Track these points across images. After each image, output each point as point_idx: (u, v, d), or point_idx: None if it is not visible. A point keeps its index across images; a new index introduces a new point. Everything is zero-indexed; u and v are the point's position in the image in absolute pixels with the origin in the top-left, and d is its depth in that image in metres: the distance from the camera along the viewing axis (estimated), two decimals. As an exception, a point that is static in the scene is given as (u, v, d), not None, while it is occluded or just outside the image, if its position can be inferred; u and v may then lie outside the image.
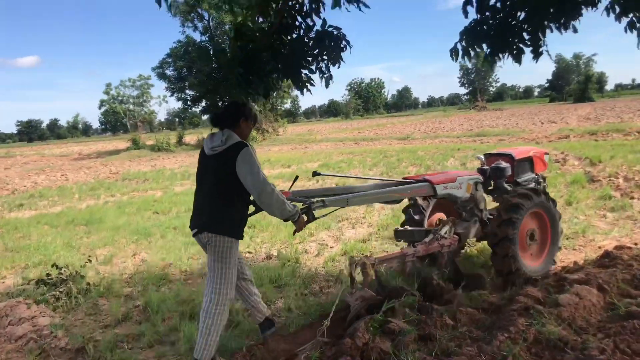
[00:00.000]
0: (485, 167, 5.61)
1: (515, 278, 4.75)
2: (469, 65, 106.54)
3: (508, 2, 4.44)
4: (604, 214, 7.55)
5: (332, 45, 4.20)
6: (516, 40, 4.52)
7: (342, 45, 4.24)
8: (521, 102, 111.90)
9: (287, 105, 65.28)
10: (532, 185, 5.76)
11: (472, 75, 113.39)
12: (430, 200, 5.68)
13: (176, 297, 5.16)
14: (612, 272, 4.43)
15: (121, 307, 5.07)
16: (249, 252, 6.89)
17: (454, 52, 4.62)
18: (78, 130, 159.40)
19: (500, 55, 4.68)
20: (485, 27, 4.57)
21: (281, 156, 22.90)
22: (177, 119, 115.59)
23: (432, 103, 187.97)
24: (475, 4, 4.45)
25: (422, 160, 16.16)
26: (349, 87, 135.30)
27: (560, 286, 4.23)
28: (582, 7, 4.24)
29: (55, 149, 58.41)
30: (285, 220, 3.56)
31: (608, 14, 4.26)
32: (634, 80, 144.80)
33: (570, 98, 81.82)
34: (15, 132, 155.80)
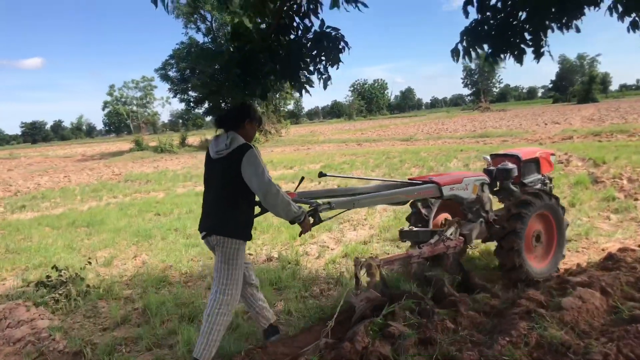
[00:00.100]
0: (492, 167, 5.57)
1: (518, 275, 4.72)
2: (472, 66, 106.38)
3: (509, 2, 4.40)
4: (608, 216, 7.48)
5: (330, 46, 4.16)
6: (517, 41, 4.47)
7: (340, 47, 4.20)
8: (525, 103, 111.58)
9: (290, 106, 65.28)
10: (539, 186, 5.73)
11: (476, 76, 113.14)
12: (435, 201, 5.64)
13: (175, 300, 5.13)
14: (615, 275, 4.37)
15: (120, 310, 5.04)
16: (250, 254, 6.86)
17: (455, 53, 4.58)
18: (82, 131, 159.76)
19: (502, 56, 4.64)
20: (486, 27, 4.53)
21: (284, 157, 22.88)
22: (180, 121, 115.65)
23: (435, 104, 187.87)
24: (475, 4, 4.41)
25: (425, 162, 16.10)
26: (352, 88, 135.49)
27: (563, 289, 4.17)
28: (585, 6, 4.19)
29: (59, 151, 58.54)
30: (291, 222, 3.56)
31: (611, 14, 4.21)
32: (638, 80, 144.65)
33: (574, 99, 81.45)
34: (19, 133, 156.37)
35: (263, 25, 4.29)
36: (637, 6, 4.11)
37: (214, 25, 41.19)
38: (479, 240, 5.46)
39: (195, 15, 41.01)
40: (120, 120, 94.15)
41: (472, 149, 19.24)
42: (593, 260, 5.48)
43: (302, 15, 4.18)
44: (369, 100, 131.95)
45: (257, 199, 3.56)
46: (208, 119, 76.77)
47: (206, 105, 43.38)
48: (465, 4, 4.41)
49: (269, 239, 7.60)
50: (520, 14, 4.44)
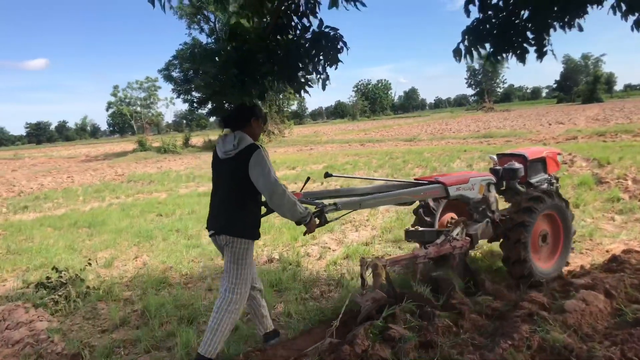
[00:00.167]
0: (498, 167, 5.54)
1: (522, 269, 4.66)
2: (476, 67, 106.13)
3: (511, 0, 4.34)
4: (612, 217, 7.41)
5: (329, 46, 4.11)
6: (520, 40, 4.42)
7: (339, 47, 4.15)
8: (529, 103, 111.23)
9: (294, 106, 65.23)
10: (545, 186, 5.70)
11: (480, 76, 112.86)
12: (441, 201, 5.61)
13: (175, 302, 5.09)
14: (619, 277, 4.32)
15: (120, 312, 5.01)
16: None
17: (457, 53, 4.53)
18: (86, 132, 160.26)
19: (504, 55, 4.58)
20: (488, 26, 4.47)
21: (286, 158, 22.85)
22: (184, 121, 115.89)
23: (439, 104, 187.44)
24: (477, 3, 4.35)
25: (428, 162, 16.04)
26: (355, 89, 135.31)
27: (566, 291, 4.13)
28: (587, 4, 4.13)
29: (63, 151, 58.70)
30: (297, 223, 3.58)
31: (614, 12, 4.14)
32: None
33: (578, 99, 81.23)
34: (24, 134, 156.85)
35: (261, 25, 4.25)
36: (640, 5, 4.05)
37: (217, 25, 41.21)
38: (485, 241, 5.43)
39: (199, 16, 41.04)
40: (124, 121, 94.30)
41: (475, 149, 19.17)
42: (597, 262, 5.43)
43: (300, 15, 4.14)
44: (373, 101, 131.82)
45: (262, 199, 3.60)
46: (212, 119, 76.84)
47: (209, 105, 43.43)
48: (467, 3, 4.35)
49: (270, 240, 7.56)
50: (522, 12, 4.39)
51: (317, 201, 3.92)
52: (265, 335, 3.94)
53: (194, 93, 44.21)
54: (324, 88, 4.18)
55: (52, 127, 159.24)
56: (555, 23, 4.29)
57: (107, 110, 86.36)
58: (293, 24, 4.18)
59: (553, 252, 5.17)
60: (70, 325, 4.86)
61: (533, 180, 5.62)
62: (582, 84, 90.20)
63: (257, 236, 3.62)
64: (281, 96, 41.44)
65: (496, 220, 5.14)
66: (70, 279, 5.71)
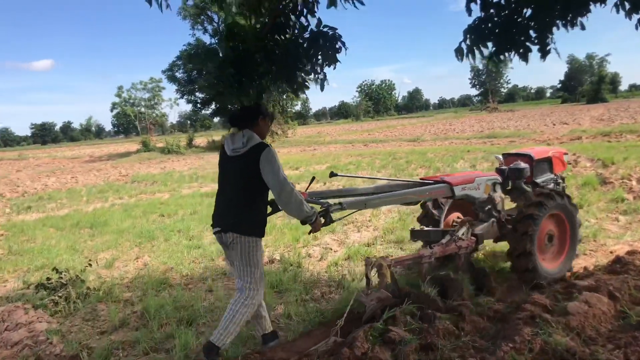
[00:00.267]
0: (504, 167, 5.51)
1: (526, 262, 4.63)
2: (480, 67, 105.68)
3: (513, -1, 4.30)
4: (616, 217, 7.35)
5: (327, 46, 4.07)
6: (522, 38, 4.37)
7: (337, 46, 4.11)
8: (533, 103, 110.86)
9: (298, 107, 65.19)
10: (551, 185, 5.67)
11: (484, 77, 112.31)
12: (444, 204, 5.59)
13: (175, 303, 5.06)
14: (623, 279, 4.27)
15: (119, 313, 4.99)
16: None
17: (458, 52, 4.49)
18: (91, 132, 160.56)
19: (506, 54, 4.54)
20: (490, 25, 4.43)
21: (289, 158, 22.83)
22: (188, 122, 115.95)
23: (443, 104, 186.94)
24: (479, 2, 4.31)
25: (432, 162, 15.97)
26: (359, 89, 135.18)
27: (569, 293, 4.08)
28: (590, 3, 4.08)
29: (68, 152, 58.85)
30: (303, 222, 3.60)
31: (617, 11, 4.10)
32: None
33: (583, 99, 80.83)
34: (29, 134, 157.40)
35: (259, 25, 4.21)
36: (644, 3, 4.00)
37: (220, 26, 41.19)
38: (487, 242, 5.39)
39: (202, 17, 41.06)
40: (129, 122, 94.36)
41: (479, 149, 19.08)
42: (601, 263, 5.37)
43: (298, 14, 4.09)
44: (377, 101, 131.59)
45: (269, 197, 3.66)
46: (216, 119, 76.90)
47: (213, 106, 43.42)
48: (468, 2, 4.31)
49: (272, 240, 7.53)
50: (524, 11, 4.34)
51: (322, 201, 3.94)
52: (263, 337, 3.91)
53: (197, 94, 44.26)
54: (322, 88, 4.14)
55: (57, 127, 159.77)
56: (557, 21, 4.25)
57: (111, 111, 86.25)
58: (291, 23, 4.14)
59: (559, 253, 5.14)
60: (69, 326, 4.83)
61: (539, 180, 5.59)
62: (587, 84, 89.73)
63: (263, 234, 3.65)
64: (285, 97, 41.40)
65: (502, 220, 5.11)
66: (70, 279, 5.69)
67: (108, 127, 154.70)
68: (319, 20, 4.11)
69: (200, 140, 47.49)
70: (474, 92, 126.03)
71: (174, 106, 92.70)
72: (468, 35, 4.45)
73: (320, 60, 4.10)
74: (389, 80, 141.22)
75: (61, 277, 5.70)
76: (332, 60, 4.14)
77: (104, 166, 29.91)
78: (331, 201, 3.90)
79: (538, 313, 3.61)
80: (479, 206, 5.13)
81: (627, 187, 9.24)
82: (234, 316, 3.52)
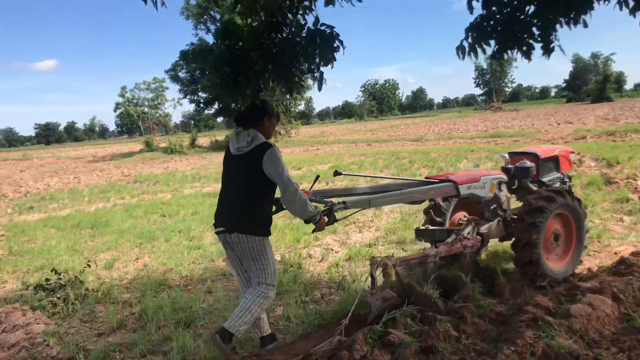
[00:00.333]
0: (510, 166, 5.46)
1: (531, 254, 4.60)
2: (484, 66, 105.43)
3: (515, -4, 4.23)
4: (621, 218, 7.26)
5: (324, 45, 3.99)
6: (525, 36, 4.30)
7: (335, 45, 4.04)
8: (537, 103, 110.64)
9: (301, 107, 65.16)
10: (558, 184, 5.62)
11: (488, 76, 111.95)
12: (452, 200, 5.54)
13: (173, 304, 5.01)
14: (627, 281, 4.19)
15: (117, 314, 4.94)
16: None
17: (460, 50, 4.42)
18: (95, 132, 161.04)
19: (509, 52, 4.47)
20: (492, 22, 4.35)
21: (292, 158, 22.79)
22: (192, 122, 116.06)
23: (447, 104, 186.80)
24: (480, -1, 4.24)
25: (435, 162, 15.90)
26: (363, 89, 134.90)
27: (572, 295, 4.01)
28: (594, 0, 4.01)
29: (71, 152, 58.99)
30: (306, 221, 3.58)
31: (621, 8, 4.02)
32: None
33: (587, 98, 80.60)
34: (33, 135, 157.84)
35: (255, 23, 4.13)
36: (648, 0, 3.92)
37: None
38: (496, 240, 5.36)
39: (205, 16, 41.05)
40: (133, 122, 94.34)
41: (483, 149, 18.99)
42: (605, 264, 5.29)
43: (295, 12, 4.02)
44: (380, 101, 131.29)
45: (274, 196, 3.66)
46: (219, 119, 76.91)
47: (216, 106, 43.40)
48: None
49: (273, 241, 7.40)
50: (527, 8, 4.27)
51: (326, 200, 3.91)
52: (261, 339, 3.85)
53: (200, 93, 44.25)
54: (320, 88, 4.08)
55: (61, 127, 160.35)
56: (560, 19, 4.17)
57: (114, 111, 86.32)
58: (288, 21, 4.07)
59: (564, 253, 5.11)
60: (67, 328, 4.79)
61: (545, 179, 5.54)
62: (592, 83, 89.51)
63: (269, 232, 3.64)
64: (288, 96, 41.35)
65: (507, 219, 5.06)
66: (69, 281, 5.65)
67: (112, 127, 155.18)
68: (317, 19, 4.05)
69: (204, 140, 47.50)
70: (478, 91, 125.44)
71: (177, 106, 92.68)
72: (470, 33, 4.38)
73: (318, 59, 4.02)
74: (392, 79, 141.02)
75: (60, 278, 5.65)
76: (330, 59, 4.07)
77: (107, 166, 29.93)
78: (335, 200, 3.88)
79: (540, 315, 3.55)
80: (485, 205, 5.11)
81: (632, 187, 9.15)
82: (250, 306, 3.50)
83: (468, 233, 4.79)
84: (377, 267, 4.04)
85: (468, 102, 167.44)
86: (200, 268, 6.41)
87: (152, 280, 5.88)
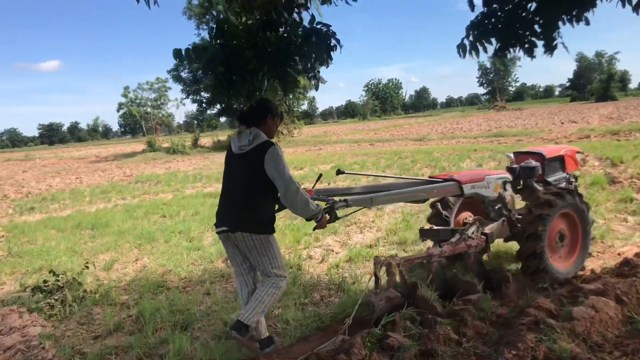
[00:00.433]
0: (515, 165, 5.41)
1: (536, 247, 4.59)
2: (488, 65, 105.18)
3: (516, -7, 4.16)
4: (625, 218, 7.18)
5: (320, 44, 3.91)
6: (527, 33, 4.23)
7: (332, 44, 3.96)
8: (541, 102, 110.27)
9: (304, 106, 65.05)
10: (563, 184, 5.57)
11: (491, 75, 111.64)
12: (457, 199, 5.50)
13: (171, 306, 4.96)
14: (631, 282, 4.11)
15: (115, 317, 4.89)
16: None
17: (461, 48, 4.36)
18: (98, 133, 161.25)
19: (511, 50, 4.40)
20: (493, 20, 4.30)
21: (294, 158, 22.73)
22: (195, 122, 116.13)
23: (450, 103, 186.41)
24: (481, -3, 4.17)
25: (438, 162, 15.81)
26: (366, 88, 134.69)
27: (575, 297, 3.94)
28: (596, -3, 3.95)
29: (74, 152, 59.05)
30: (308, 219, 3.58)
31: (624, 5, 3.95)
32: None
33: (592, 97, 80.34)
34: (37, 135, 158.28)
35: (250, 22, 4.06)
36: (652, -3, 3.85)
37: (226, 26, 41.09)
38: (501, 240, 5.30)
39: (207, 16, 41.01)
40: (136, 122, 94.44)
41: (486, 148, 18.89)
42: (608, 265, 5.22)
43: (290, 10, 3.94)
44: (384, 100, 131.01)
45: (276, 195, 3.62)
46: (222, 119, 76.87)
47: (218, 106, 43.35)
48: (471, -3, 4.18)
49: (273, 242, 7.41)
50: (529, 5, 4.20)
51: (328, 198, 3.90)
52: (259, 342, 3.79)
53: (202, 93, 44.21)
54: (316, 88, 4.01)
55: (65, 128, 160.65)
56: (563, 16, 4.11)
57: (117, 111, 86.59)
58: (283, 20, 4.00)
59: (570, 253, 5.09)
60: (64, 330, 4.74)
61: (551, 179, 5.50)
62: (596, 82, 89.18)
63: (274, 230, 3.66)
64: (291, 96, 41.27)
65: (512, 219, 5.01)
66: (67, 282, 5.60)
67: (115, 127, 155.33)
68: (312, 17, 3.98)
69: (206, 140, 47.46)
70: (481, 90, 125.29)
71: (180, 106, 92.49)
72: (471, 32, 4.33)
73: (313, 58, 3.95)
74: (396, 79, 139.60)
75: (58, 280, 5.61)
76: (326, 59, 3.99)
77: (109, 166, 29.94)
78: (337, 198, 3.85)
79: (542, 318, 3.49)
80: (489, 205, 5.06)
81: (636, 187, 9.06)
82: (263, 297, 3.54)
83: (472, 233, 4.74)
84: (380, 266, 4.03)
85: (472, 101, 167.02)
86: (199, 269, 6.35)
87: (151, 282, 5.83)
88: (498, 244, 5.60)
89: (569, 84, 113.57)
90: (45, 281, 5.64)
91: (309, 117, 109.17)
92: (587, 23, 4.03)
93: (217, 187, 11.49)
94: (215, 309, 4.87)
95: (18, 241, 8.93)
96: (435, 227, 5.28)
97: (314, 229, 3.70)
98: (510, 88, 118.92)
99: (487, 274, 4.70)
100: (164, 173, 21.77)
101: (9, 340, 4.52)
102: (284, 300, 4.99)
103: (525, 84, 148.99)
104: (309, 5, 3.97)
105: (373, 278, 4.13)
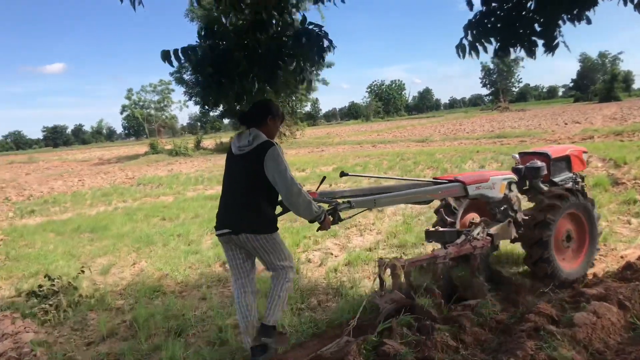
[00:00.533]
0: (520, 166, 5.36)
1: (543, 253, 4.59)
2: (491, 66, 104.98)
3: (515, -9, 4.08)
4: (628, 220, 7.07)
5: (312, 45, 3.82)
6: (527, 32, 4.15)
7: (325, 45, 3.87)
8: (545, 103, 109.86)
9: (307, 107, 65.02)
10: (570, 185, 5.50)
11: (495, 76, 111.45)
12: (462, 201, 5.42)
13: (166, 312, 4.89)
14: (634, 287, 4.01)
15: (109, 322, 4.83)
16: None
17: (460, 49, 4.28)
18: (102, 135, 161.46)
19: (511, 49, 4.32)
20: (492, 19, 4.22)
21: (297, 160, 22.65)
22: (198, 124, 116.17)
23: (453, 104, 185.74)
24: (480, -5, 4.09)
25: (440, 163, 15.70)
26: (369, 89, 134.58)
27: (577, 302, 3.84)
28: (598, -5, 3.86)
29: (78, 154, 59.15)
30: (311, 221, 3.55)
31: (625, 4, 3.88)
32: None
33: (595, 98, 79.97)
34: (41, 137, 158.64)
35: (240, 22, 3.97)
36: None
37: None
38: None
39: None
40: (139, 124, 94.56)
41: (488, 149, 18.75)
42: (611, 269, 5.13)
43: (281, 11, 3.86)
44: (387, 101, 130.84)
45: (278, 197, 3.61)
46: (226, 121, 76.90)
47: (221, 107, 43.28)
48: (469, -4, 4.10)
49: (272, 245, 7.33)
50: (529, 3, 4.12)
51: (331, 200, 3.85)
52: (252, 350, 3.70)
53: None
54: (309, 90, 3.93)
55: (69, 130, 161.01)
56: (563, 16, 4.02)
57: (121, 113, 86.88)
58: (274, 20, 3.91)
59: (578, 252, 5.07)
60: (57, 336, 4.67)
61: (557, 179, 5.44)
62: (599, 83, 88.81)
63: (276, 228, 3.62)
64: (294, 97, 41.19)
65: (518, 220, 4.94)
66: (62, 287, 5.54)
67: (119, 129, 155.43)
68: (304, 17, 3.90)
69: (209, 142, 47.44)
70: (485, 91, 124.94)
71: (184, 108, 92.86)
72: (469, 31, 4.25)
73: (302, 60, 3.85)
74: (399, 80, 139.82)
75: (53, 285, 5.55)
76: (317, 61, 3.89)
77: (112, 169, 29.93)
78: (340, 200, 3.81)
79: (543, 324, 3.40)
80: (495, 206, 5.01)
81: (640, 188, 8.94)
82: (278, 293, 3.61)
83: (478, 234, 4.66)
84: (385, 268, 3.99)
85: (475, 102, 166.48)
86: (196, 273, 6.28)
87: (147, 287, 5.76)
88: (504, 245, 5.53)
89: (572, 84, 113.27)
90: (40, 286, 5.59)
91: (312, 118, 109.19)
92: (589, 22, 3.95)
93: (218, 189, 11.50)
94: (211, 315, 4.79)
95: (16, 245, 8.89)
96: (440, 229, 5.20)
97: (318, 229, 3.67)
98: (513, 89, 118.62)
99: (494, 275, 4.63)
100: (166, 175, 21.72)
101: (1, 347, 4.44)
102: (280, 306, 4.91)
103: (529, 85, 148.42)
104: (299, 5, 3.88)
105: (377, 280, 4.09)
